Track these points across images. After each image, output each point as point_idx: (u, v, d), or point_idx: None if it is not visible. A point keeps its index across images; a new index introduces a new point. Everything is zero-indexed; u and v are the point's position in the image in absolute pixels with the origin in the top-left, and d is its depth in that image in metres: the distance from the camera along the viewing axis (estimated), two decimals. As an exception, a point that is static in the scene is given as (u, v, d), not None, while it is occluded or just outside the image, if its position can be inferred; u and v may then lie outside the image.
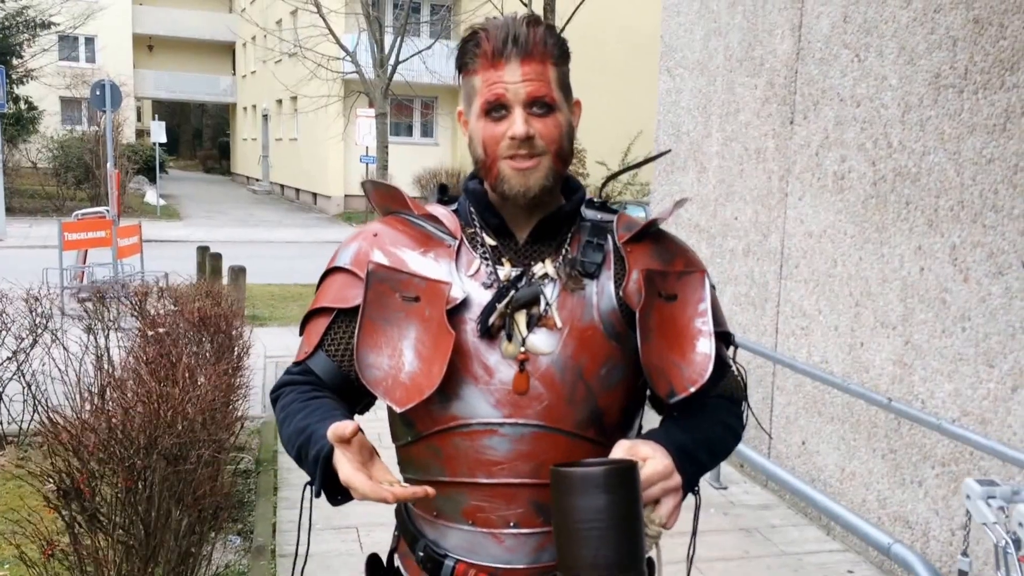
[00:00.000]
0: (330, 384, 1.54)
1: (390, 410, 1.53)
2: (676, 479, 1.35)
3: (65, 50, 31.62)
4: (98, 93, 13.09)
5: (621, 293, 1.52)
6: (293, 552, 4.48)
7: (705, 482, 5.41)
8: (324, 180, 27.52)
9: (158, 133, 25.02)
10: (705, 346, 1.52)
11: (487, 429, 1.47)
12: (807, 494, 3.01)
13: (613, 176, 1.80)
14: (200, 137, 49.31)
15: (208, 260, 11.73)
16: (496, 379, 1.46)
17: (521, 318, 1.48)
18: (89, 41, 33.89)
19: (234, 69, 40.15)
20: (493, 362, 1.47)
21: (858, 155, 4.46)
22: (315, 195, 29.07)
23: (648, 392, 1.58)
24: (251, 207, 29.38)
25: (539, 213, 1.53)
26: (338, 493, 1.38)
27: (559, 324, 1.48)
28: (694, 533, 1.59)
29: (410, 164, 24.95)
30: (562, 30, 21.88)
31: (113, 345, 5.48)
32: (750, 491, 5.39)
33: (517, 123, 1.43)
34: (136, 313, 5.23)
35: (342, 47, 12.12)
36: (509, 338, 1.47)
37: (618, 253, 1.55)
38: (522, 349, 1.46)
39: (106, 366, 3.88)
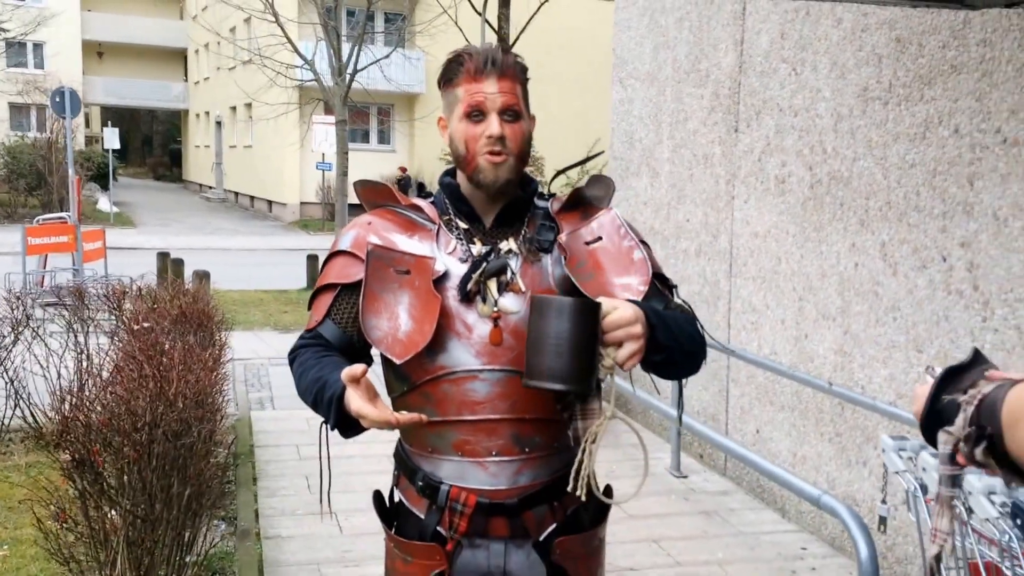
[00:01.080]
0: (337, 346, 1.89)
1: (385, 369, 1.90)
2: (639, 328, 1.64)
3: (14, 56, 31.30)
4: (58, 100, 13.18)
5: (560, 253, 1.89)
6: (277, 535, 4.77)
7: (667, 472, 5.76)
8: (280, 187, 27.57)
9: (112, 139, 24.91)
10: (637, 254, 1.88)
11: (469, 375, 1.81)
12: (751, 459, 3.37)
13: (560, 172, 2.15)
14: (150, 144, 48.93)
15: (170, 266, 11.90)
16: (475, 334, 1.82)
17: (492, 285, 1.84)
18: (38, 47, 33.60)
19: (186, 75, 39.97)
20: (471, 321, 1.82)
21: (797, 160, 4.86)
22: (270, 202, 29.09)
23: None
24: (205, 215, 29.34)
25: (502, 201, 1.90)
26: (347, 428, 1.74)
27: (523, 288, 1.85)
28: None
29: (367, 170, 25.05)
30: (515, 42, 22.19)
31: (93, 343, 5.70)
32: (709, 479, 5.74)
33: (493, 125, 1.80)
34: (116, 311, 5.46)
35: (300, 55, 12.34)
36: (484, 300, 1.83)
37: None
38: (495, 309, 1.82)
39: (96, 358, 4.12)
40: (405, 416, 1.63)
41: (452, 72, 1.84)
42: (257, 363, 9.00)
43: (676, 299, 1.94)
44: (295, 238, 24.10)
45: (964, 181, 3.79)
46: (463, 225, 1.91)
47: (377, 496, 2.02)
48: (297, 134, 23.56)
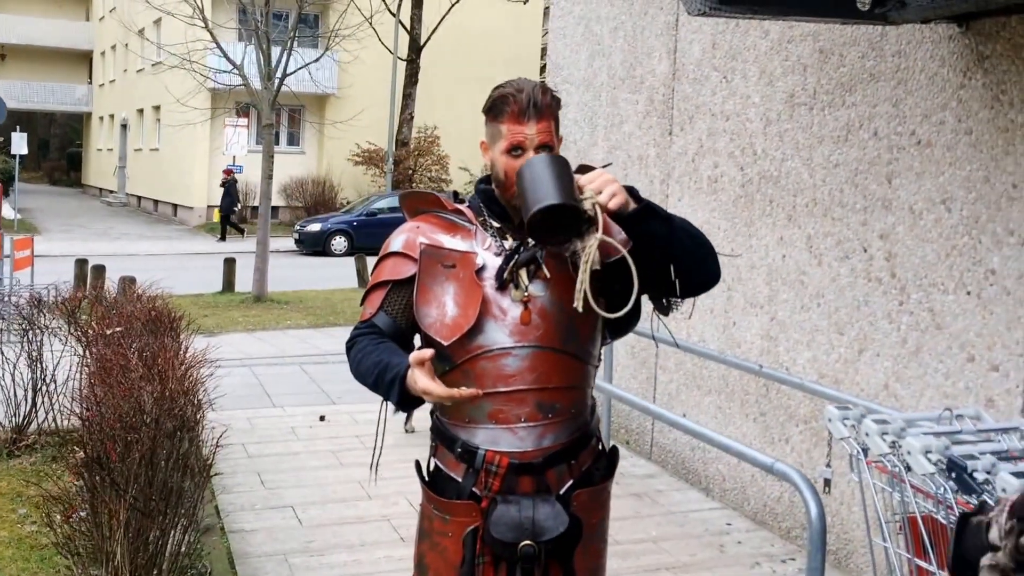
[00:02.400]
0: (389, 335, 2.20)
1: (430, 344, 2.18)
2: (610, 176, 1.99)
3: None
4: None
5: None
6: (241, 528, 4.91)
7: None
8: (187, 191, 27.15)
9: (19, 145, 24.20)
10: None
11: (504, 352, 2.12)
12: (707, 435, 3.69)
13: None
14: (46, 148, 47.35)
15: (91, 272, 11.76)
16: (508, 316, 2.13)
17: (523, 273, 2.15)
18: (-69, 49, 32.30)
19: (91, 78, 38.87)
20: (506, 305, 2.13)
21: (728, 161, 5.23)
22: (175, 206, 28.60)
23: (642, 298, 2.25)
24: (109, 220, 28.68)
25: None
26: (407, 405, 2.07)
27: (548, 275, 2.15)
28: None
29: (276, 172, 24.93)
30: (426, 42, 22.16)
31: (47, 350, 5.73)
32: (636, 463, 6.06)
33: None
34: (71, 319, 5.50)
35: (229, 60, 12.31)
36: (516, 287, 2.13)
37: None
38: (526, 294, 2.13)
39: (68, 363, 4.21)
40: (467, 391, 1.96)
41: (499, 110, 2.12)
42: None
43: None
44: (202, 242, 23.79)
45: (883, 179, 4.20)
46: (496, 224, 2.22)
47: (417, 465, 2.31)
48: (208, 137, 23.29)
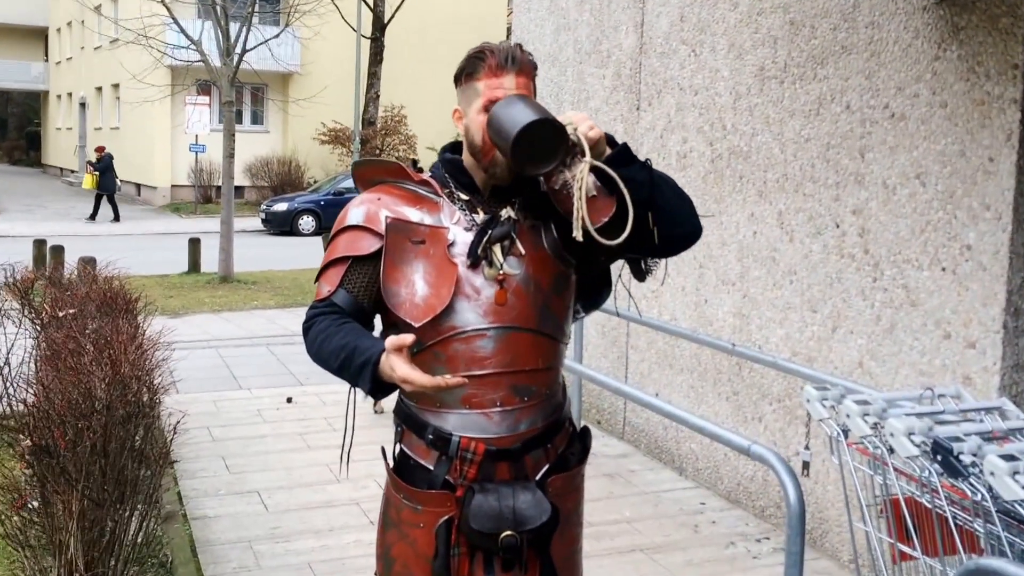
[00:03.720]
0: (351, 313, 2.04)
1: (392, 332, 2.02)
2: (588, 118, 1.90)
3: None
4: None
5: (552, 222, 2.07)
6: (204, 515, 4.79)
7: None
8: (150, 170, 26.73)
9: (-32, 123, 23.60)
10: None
11: (478, 334, 2.00)
12: (682, 417, 3.62)
13: None
14: (4, 127, 46.42)
15: (49, 253, 11.49)
16: (483, 296, 2.00)
17: (498, 250, 2.02)
18: None
19: (47, 55, 38.05)
20: (479, 284, 2.01)
21: (697, 137, 5.14)
22: (139, 186, 28.16)
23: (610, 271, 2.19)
24: (70, 199, 28.17)
25: None
26: (379, 391, 1.90)
27: (523, 252, 2.03)
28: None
29: (240, 152, 24.55)
30: (391, 19, 21.95)
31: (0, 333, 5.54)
32: (608, 443, 6.00)
33: None
34: (24, 300, 5.33)
35: (187, 36, 12.03)
36: (490, 264, 2.01)
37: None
38: (500, 272, 2.01)
39: (42, 345, 4.06)
40: (453, 379, 1.82)
41: (473, 67, 1.99)
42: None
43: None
44: (167, 221, 23.44)
45: (856, 153, 4.13)
46: (464, 197, 2.08)
47: (383, 452, 2.20)
48: (168, 115, 22.88)
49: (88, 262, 10.08)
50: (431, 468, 2.06)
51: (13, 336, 5.69)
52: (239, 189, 26.15)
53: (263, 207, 22.45)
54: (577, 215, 1.86)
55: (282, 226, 21.62)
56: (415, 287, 2.00)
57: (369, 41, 24.39)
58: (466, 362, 2.00)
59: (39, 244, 12.18)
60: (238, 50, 11.99)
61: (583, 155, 1.85)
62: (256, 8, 12.88)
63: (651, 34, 5.52)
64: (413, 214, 2.06)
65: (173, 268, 14.60)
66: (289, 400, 6.96)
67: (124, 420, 3.26)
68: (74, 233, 19.72)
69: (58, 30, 34.50)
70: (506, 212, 2.05)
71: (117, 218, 22.66)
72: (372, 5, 24.51)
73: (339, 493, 5.03)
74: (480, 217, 2.05)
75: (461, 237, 2.03)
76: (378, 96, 25.64)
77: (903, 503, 2.65)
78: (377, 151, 25.89)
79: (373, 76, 25.04)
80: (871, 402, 2.77)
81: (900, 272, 3.93)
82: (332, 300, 2.04)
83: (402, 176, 2.13)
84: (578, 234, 1.86)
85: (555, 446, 2.13)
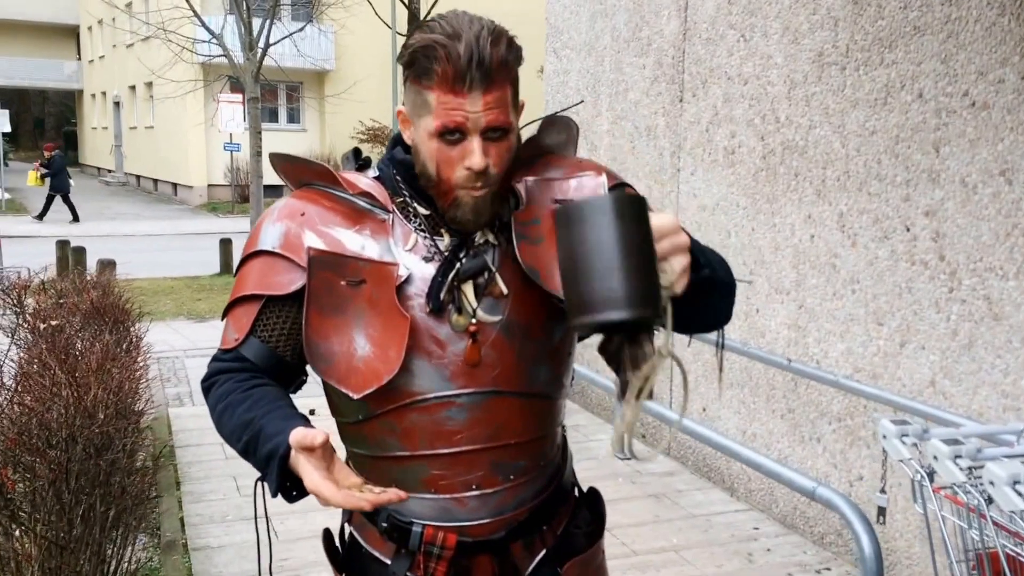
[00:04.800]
0: (265, 368, 1.52)
1: (329, 387, 1.54)
2: (684, 238, 1.29)
3: None
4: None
5: (514, 218, 1.51)
6: (206, 545, 4.42)
7: (612, 455, 5.57)
8: (185, 170, 26.62)
9: (1, 122, 23.63)
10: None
11: (444, 402, 1.49)
12: (735, 450, 3.18)
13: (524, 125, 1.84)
14: (42, 127, 46.79)
15: (71, 254, 11.25)
16: (449, 352, 1.48)
17: (469, 289, 1.49)
18: (-84, 25, 31.69)
19: (79, 54, 38.20)
20: (444, 335, 1.48)
21: (747, 130, 4.68)
22: (175, 185, 28.09)
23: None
24: (106, 199, 28.16)
25: None
26: (293, 490, 1.37)
27: (504, 291, 1.50)
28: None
29: (277, 150, 24.42)
30: (427, 15, 21.82)
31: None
32: (657, 460, 5.58)
33: (476, 155, 1.40)
34: (16, 308, 5.00)
35: (208, 30, 11.73)
36: (458, 311, 1.48)
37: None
38: (473, 321, 1.48)
39: (5, 360, 3.71)
40: (378, 498, 1.29)
41: (422, 68, 1.39)
42: (172, 356, 8.52)
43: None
44: (204, 221, 23.29)
45: (929, 147, 3.65)
46: (423, 211, 1.52)
47: (327, 536, 1.71)
48: (202, 114, 22.71)
49: (107, 265, 9.82)
50: (387, 563, 1.58)
51: (6, 347, 5.38)
52: (277, 188, 26.01)
53: (298, 206, 22.15)
54: (621, 431, 1.29)
55: (317, 225, 21.33)
56: (352, 344, 1.46)
57: (404, 38, 24.07)
58: (429, 437, 1.51)
59: (62, 245, 11.95)
60: (261, 44, 11.66)
61: (661, 344, 1.25)
62: (279, 1, 12.55)
63: (696, 18, 5.06)
64: (350, 239, 1.49)
65: (205, 269, 14.36)
66: (312, 412, 6.56)
67: (92, 453, 2.88)
68: (107, 233, 19.61)
69: (89, 28, 34.52)
70: (481, 234, 1.51)
71: (76, 218, 21.69)
72: (407, 1, 24.19)
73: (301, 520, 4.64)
74: (445, 241, 1.50)
75: (418, 270, 1.48)
76: (414, 93, 25.24)
77: (1003, 560, 2.24)
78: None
79: (410, 74, 24.61)
80: (963, 441, 2.34)
81: (981, 281, 3.46)
82: (239, 351, 1.52)
83: (331, 183, 1.55)
84: (615, 450, 1.33)
85: (554, 527, 1.63)
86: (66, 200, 21.80)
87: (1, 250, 11.21)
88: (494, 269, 1.50)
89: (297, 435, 1.28)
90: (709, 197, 5.00)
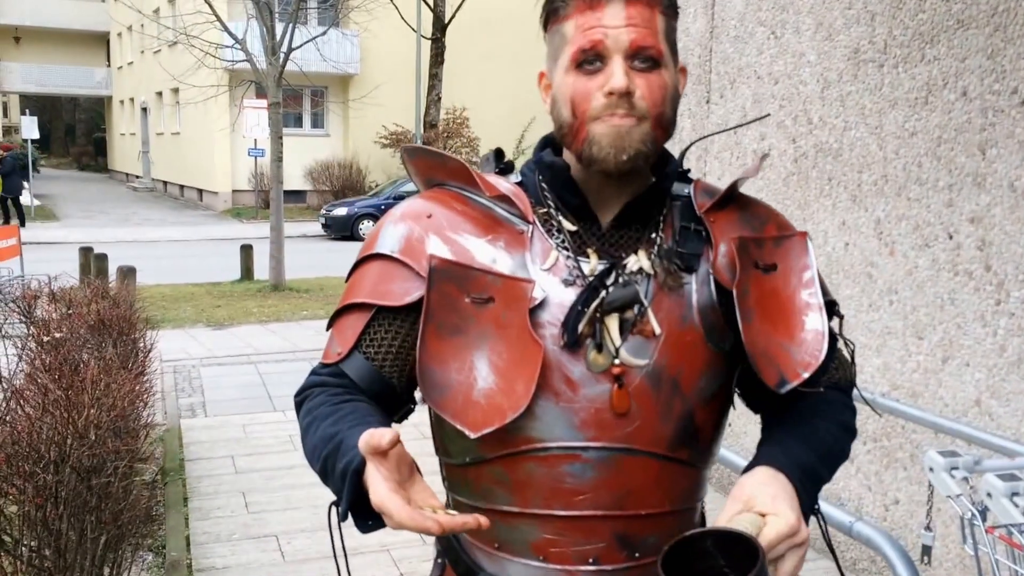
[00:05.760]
0: (367, 390, 1.32)
1: (437, 419, 1.33)
2: (803, 533, 1.16)
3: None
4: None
5: (709, 270, 1.32)
6: (211, 566, 4.25)
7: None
8: (211, 175, 26.69)
9: (30, 129, 23.77)
10: (816, 322, 1.31)
11: (568, 454, 1.27)
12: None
13: (699, 140, 1.65)
14: (73, 133, 47.25)
15: (93, 261, 11.16)
16: (581, 395, 1.26)
17: (613, 324, 1.27)
18: (-51, 33, 32.06)
19: (109, 60, 38.48)
20: (577, 376, 1.26)
21: (778, 133, 4.45)
22: (200, 191, 28.18)
23: (738, 389, 1.41)
24: (133, 205, 28.32)
25: (628, 190, 1.31)
26: (370, 516, 1.14)
27: (657, 331, 1.27)
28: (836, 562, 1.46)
29: (301, 156, 24.44)
30: (451, 18, 21.64)
31: (0, 354, 5.10)
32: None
33: (616, 75, 1.21)
34: (25, 319, 4.86)
35: (231, 35, 11.63)
36: (599, 348, 1.26)
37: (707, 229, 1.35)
38: (615, 361, 1.26)
39: (14, 374, 3.57)
40: (452, 521, 1.08)
41: (557, 2, 1.26)
42: (188, 364, 8.38)
43: (840, 340, 1.41)
44: (228, 227, 23.32)
45: (974, 149, 3.41)
46: (570, 226, 1.31)
47: None
48: (227, 119, 22.72)
49: (127, 272, 9.71)
50: None
51: (16, 360, 5.25)
52: (300, 193, 25.97)
53: (323, 212, 22.20)
54: None
55: (342, 231, 21.33)
56: (473, 373, 1.25)
57: (430, 42, 23.96)
58: (545, 494, 1.28)
59: (85, 252, 11.87)
60: (283, 49, 11.54)
61: None
62: (303, 6, 12.44)
63: (723, 15, 4.84)
64: (480, 250, 1.29)
65: (227, 275, 14.28)
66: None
67: (85, 475, 2.70)
68: (132, 239, 19.64)
69: (119, 35, 34.74)
70: (635, 260, 1.31)
71: (22, 223, 20.88)
72: (432, 5, 24.08)
73: (368, 538, 4.44)
74: (592, 264, 1.29)
75: (556, 295, 1.27)
76: (440, 98, 25.18)
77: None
78: (439, 155, 25.38)
79: (434, 78, 24.57)
80: (1020, 476, 2.11)
81: (1032, 294, 3.21)
82: (340, 367, 1.33)
83: (467, 182, 1.35)
84: None
85: None
86: (16, 203, 21.31)
87: (23, 257, 11.15)
88: (647, 303, 1.28)
89: (364, 435, 1.07)
90: (737, 203, 4.77)
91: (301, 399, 1.35)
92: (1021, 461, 2.23)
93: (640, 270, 1.30)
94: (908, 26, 3.68)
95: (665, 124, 1.26)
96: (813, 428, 1.35)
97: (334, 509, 1.19)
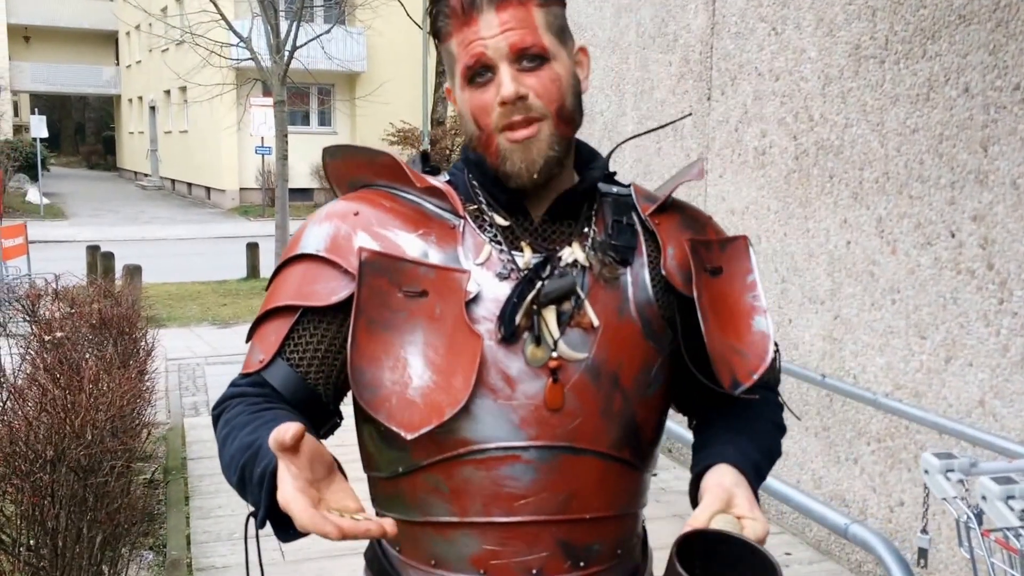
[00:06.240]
0: (291, 400, 1.25)
1: (364, 432, 1.29)
2: (767, 534, 1.16)
3: (-68, 42, 29.93)
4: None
5: (663, 272, 1.31)
6: (211, 565, 4.24)
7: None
8: (218, 173, 26.72)
9: (38, 128, 23.83)
10: (762, 324, 1.34)
11: (508, 455, 1.22)
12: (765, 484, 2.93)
13: (624, 142, 1.63)
14: (83, 132, 47.38)
15: (100, 260, 11.20)
16: (519, 392, 1.22)
17: (551, 316, 1.23)
18: (-41, 33, 32.18)
19: (117, 59, 38.58)
20: (515, 372, 1.22)
21: (779, 129, 4.42)
22: (208, 189, 28.21)
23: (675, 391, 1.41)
24: (141, 203, 28.37)
25: (556, 185, 1.29)
26: (290, 524, 1.04)
27: (595, 322, 1.25)
28: None
29: (308, 154, 24.40)
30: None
31: (4, 353, 5.10)
32: (680, 476, 5.31)
33: (504, 83, 1.20)
34: (29, 317, 4.86)
35: (235, 33, 11.64)
36: (537, 341, 1.22)
37: (646, 230, 1.34)
38: (553, 354, 1.23)
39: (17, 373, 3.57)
40: (355, 526, 0.99)
41: (438, 20, 1.24)
42: (192, 363, 8.38)
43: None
44: (235, 225, 23.34)
45: (976, 146, 3.38)
46: (501, 221, 1.29)
47: None
48: (234, 118, 22.73)
49: (133, 271, 9.73)
50: None
51: (20, 358, 5.26)
52: (307, 191, 25.97)
53: (328, 209, 22.14)
54: None
55: (348, 229, 21.30)
56: (408, 370, 1.20)
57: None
58: (484, 500, 1.23)
59: (92, 250, 11.91)
60: (288, 47, 11.54)
61: None
62: (308, 3, 12.42)
63: (724, 11, 4.80)
64: (411, 244, 1.25)
65: (234, 273, 14.30)
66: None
67: (83, 474, 2.70)
68: (140, 238, 19.68)
69: (127, 34, 34.80)
70: (570, 252, 1.29)
71: None
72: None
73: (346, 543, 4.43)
74: (525, 257, 1.27)
75: (490, 288, 1.24)
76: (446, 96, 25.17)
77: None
78: (447, 151, 25.41)
79: (441, 75, 24.58)
80: (1016, 479, 2.09)
81: (1035, 292, 3.18)
82: (262, 376, 1.25)
83: (398, 178, 1.31)
84: None
85: None
86: None
87: (30, 256, 11.18)
88: (583, 294, 1.26)
89: (272, 433, 0.99)
90: (738, 200, 4.73)
91: (218, 412, 1.27)
92: (1019, 463, 2.20)
93: (575, 262, 1.28)
94: (909, 22, 3.65)
95: (567, 116, 1.24)
96: (757, 428, 1.36)
97: (252, 519, 1.14)
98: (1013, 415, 3.28)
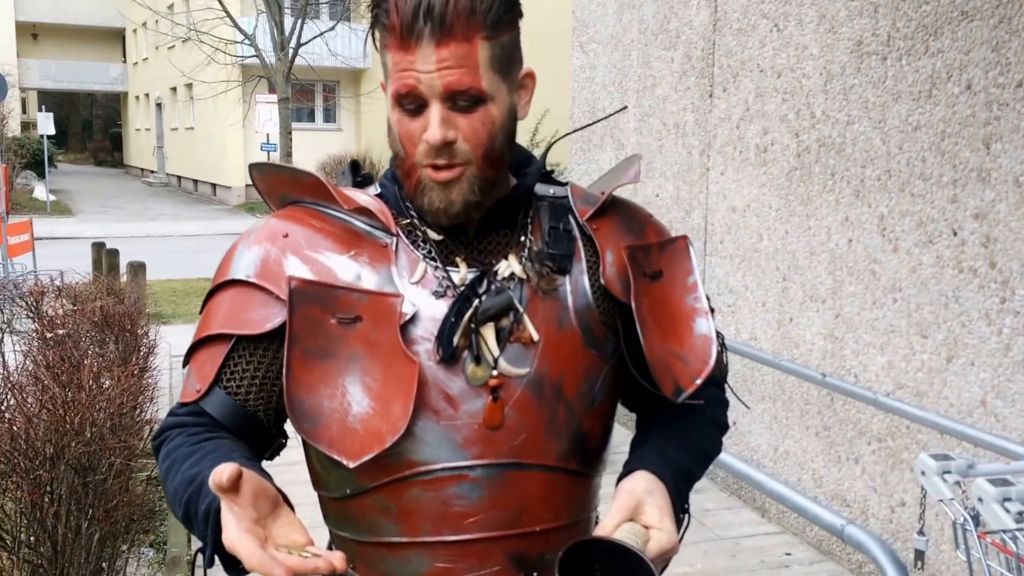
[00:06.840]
0: (231, 427, 1.23)
1: (311, 453, 1.27)
2: (677, 545, 1.16)
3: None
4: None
5: (602, 281, 1.28)
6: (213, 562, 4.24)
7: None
8: (223, 170, 26.74)
9: (46, 125, 23.88)
10: (704, 327, 1.31)
11: (454, 475, 1.21)
12: (756, 480, 2.92)
13: (557, 140, 1.56)
14: (90, 129, 47.52)
15: (104, 257, 11.20)
16: (462, 412, 1.21)
17: (489, 333, 1.22)
18: (-33, 30, 32.28)
19: (125, 56, 38.67)
20: (457, 391, 1.20)
21: (780, 127, 4.40)
22: (214, 186, 28.25)
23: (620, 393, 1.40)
24: (147, 200, 28.41)
25: (489, 195, 1.25)
26: (238, 560, 1.02)
27: (535, 337, 1.23)
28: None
29: (313, 151, 24.40)
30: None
31: (8, 350, 5.11)
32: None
33: (432, 127, 1.15)
34: (32, 314, 4.87)
35: (240, 30, 11.64)
36: (477, 360, 1.21)
37: (584, 234, 1.31)
38: (494, 372, 1.21)
39: (1, 371, 3.57)
40: (302, 563, 0.98)
41: (379, 25, 1.17)
42: (196, 359, 8.38)
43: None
44: (240, 221, 23.36)
45: (979, 144, 3.35)
46: (435, 236, 1.26)
47: None
48: (239, 114, 22.78)
49: (137, 267, 9.73)
50: None
51: (22, 356, 5.28)
52: (312, 188, 25.95)
53: (334, 206, 22.17)
54: None
55: (354, 225, 21.33)
56: (346, 398, 1.18)
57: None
58: (434, 520, 1.23)
59: (97, 247, 11.91)
60: (292, 44, 11.53)
61: None
62: (311, 1, 12.42)
63: (726, 8, 4.78)
64: (343, 267, 1.22)
65: (239, 270, 14.33)
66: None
67: (81, 471, 2.70)
68: (146, 234, 19.71)
69: (134, 31, 34.86)
70: (507, 265, 1.26)
71: None
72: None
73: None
74: (461, 273, 1.24)
75: (427, 308, 1.22)
76: (451, 92, 25.15)
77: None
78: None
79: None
80: (1013, 481, 2.07)
81: (1037, 291, 3.16)
82: (200, 405, 1.23)
83: (323, 198, 1.27)
84: None
85: None
86: None
87: (36, 253, 11.20)
88: (521, 309, 1.23)
89: (215, 473, 0.97)
90: (740, 198, 4.71)
91: (158, 443, 1.25)
92: (1017, 465, 2.18)
93: (512, 275, 1.25)
94: (912, 18, 3.62)
95: (494, 159, 1.21)
96: (689, 428, 1.35)
97: (200, 556, 1.12)
98: (1015, 415, 3.26)
